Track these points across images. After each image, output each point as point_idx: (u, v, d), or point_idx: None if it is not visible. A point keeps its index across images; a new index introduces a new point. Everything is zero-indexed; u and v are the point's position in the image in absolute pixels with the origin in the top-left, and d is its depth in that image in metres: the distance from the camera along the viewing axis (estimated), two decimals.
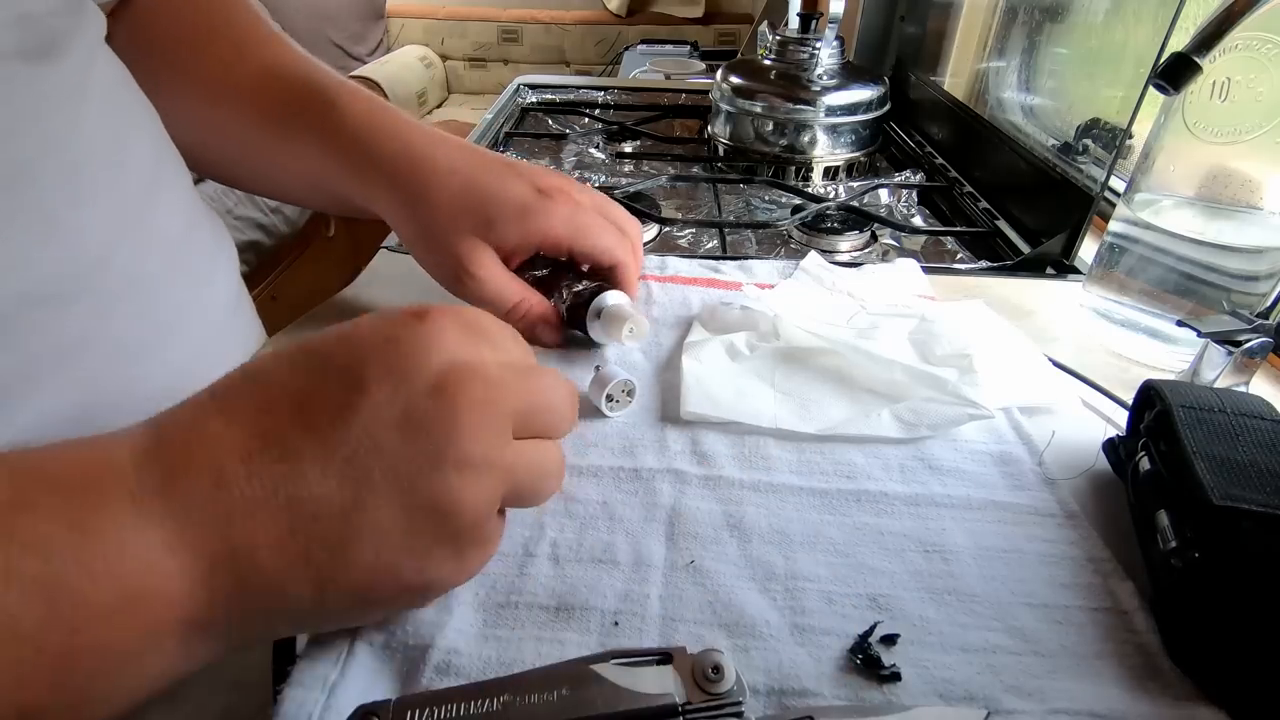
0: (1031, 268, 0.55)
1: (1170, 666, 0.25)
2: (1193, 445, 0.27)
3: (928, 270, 0.51)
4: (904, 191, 0.70)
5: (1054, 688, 0.24)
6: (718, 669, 0.22)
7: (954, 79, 0.82)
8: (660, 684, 0.21)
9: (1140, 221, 0.43)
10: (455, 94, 2.70)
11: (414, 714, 0.20)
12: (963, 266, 0.56)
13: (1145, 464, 0.30)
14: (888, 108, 0.76)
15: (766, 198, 0.70)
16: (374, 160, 0.39)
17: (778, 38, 0.76)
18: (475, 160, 0.40)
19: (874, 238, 0.60)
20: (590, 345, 0.41)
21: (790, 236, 0.61)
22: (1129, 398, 0.34)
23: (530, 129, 0.90)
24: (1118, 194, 0.46)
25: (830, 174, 0.74)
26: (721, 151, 0.78)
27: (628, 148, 0.82)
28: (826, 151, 0.73)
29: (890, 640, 0.25)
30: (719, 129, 0.78)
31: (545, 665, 0.22)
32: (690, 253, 0.58)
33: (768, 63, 0.76)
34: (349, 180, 0.40)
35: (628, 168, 0.77)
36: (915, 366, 0.37)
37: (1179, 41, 0.38)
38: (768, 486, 0.32)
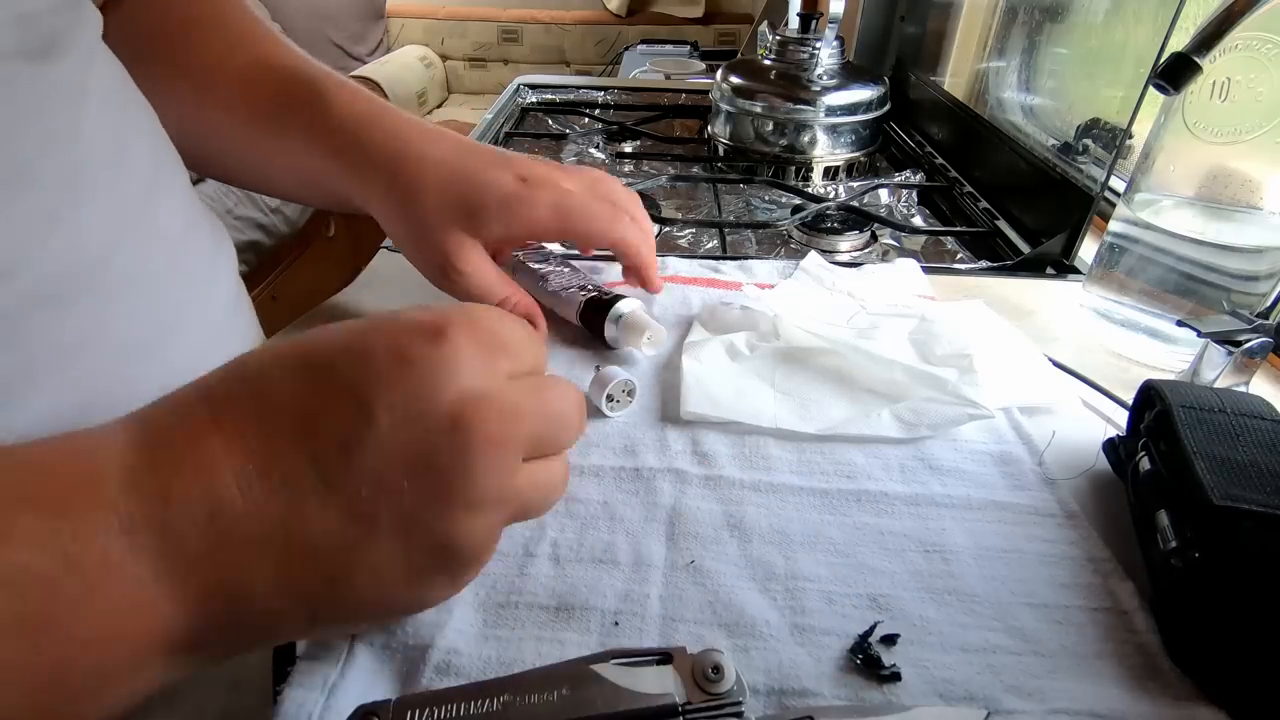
0: (1031, 268, 0.55)
1: (1170, 666, 0.25)
2: (1193, 445, 0.27)
3: (928, 270, 0.51)
4: (904, 191, 0.70)
5: (1054, 688, 0.24)
6: (718, 669, 0.22)
7: (954, 79, 0.82)
8: (660, 684, 0.21)
9: (1140, 221, 0.43)
10: (455, 94, 2.71)
11: (414, 714, 0.20)
12: (963, 266, 0.56)
13: (1145, 464, 0.30)
14: (888, 108, 0.76)
15: (766, 198, 0.70)
16: (362, 152, 0.39)
17: (778, 38, 0.76)
18: (463, 151, 0.39)
19: (874, 238, 0.60)
20: (592, 345, 0.41)
21: (790, 236, 0.61)
22: (1129, 398, 0.34)
23: (530, 129, 0.90)
24: (1118, 194, 0.46)
25: (830, 174, 0.74)
26: (721, 151, 0.78)
27: (628, 148, 0.82)
28: (826, 151, 0.73)
29: (890, 640, 0.25)
30: (719, 129, 0.78)
31: (545, 665, 0.22)
32: (690, 253, 0.58)
33: (768, 63, 0.76)
34: (336, 172, 0.40)
35: (628, 168, 0.77)
36: (915, 366, 0.37)
37: (1179, 41, 0.38)
38: (768, 486, 0.32)
